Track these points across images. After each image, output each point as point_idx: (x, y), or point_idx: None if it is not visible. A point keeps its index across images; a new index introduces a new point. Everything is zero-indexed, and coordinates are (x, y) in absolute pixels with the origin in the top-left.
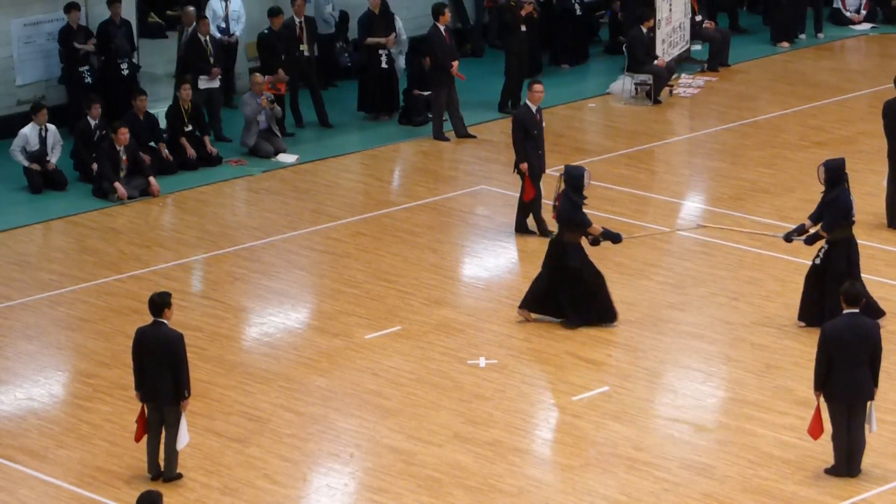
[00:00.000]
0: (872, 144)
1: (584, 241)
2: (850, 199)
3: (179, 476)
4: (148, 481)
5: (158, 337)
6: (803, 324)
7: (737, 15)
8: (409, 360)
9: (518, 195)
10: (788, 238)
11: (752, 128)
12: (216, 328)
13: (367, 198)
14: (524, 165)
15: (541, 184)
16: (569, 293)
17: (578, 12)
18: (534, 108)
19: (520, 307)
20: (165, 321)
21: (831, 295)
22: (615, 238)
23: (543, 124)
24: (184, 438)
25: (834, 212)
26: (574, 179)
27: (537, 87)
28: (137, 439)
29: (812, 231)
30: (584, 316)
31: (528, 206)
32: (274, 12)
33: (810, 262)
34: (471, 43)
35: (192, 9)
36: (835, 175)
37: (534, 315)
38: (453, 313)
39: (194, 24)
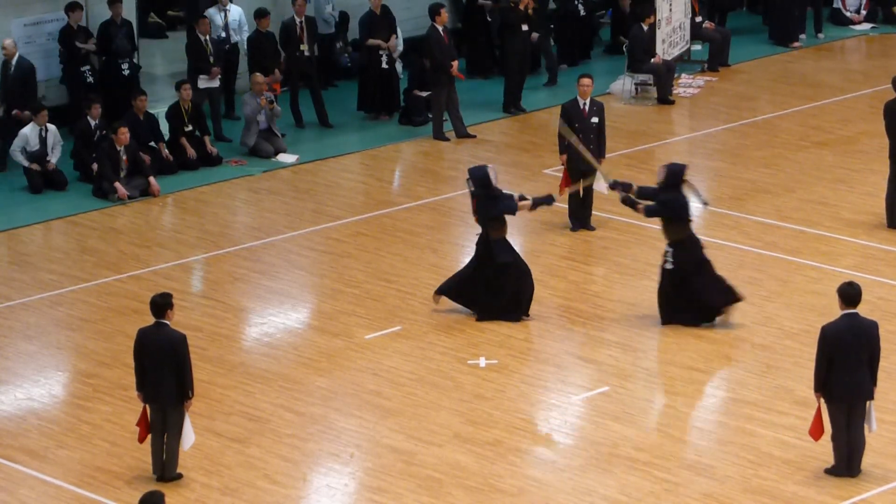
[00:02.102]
0: (872, 144)
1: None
2: (686, 203)
3: (179, 476)
4: (151, 482)
5: (161, 338)
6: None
7: (725, 17)
8: (409, 360)
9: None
10: (614, 186)
11: (752, 128)
12: (216, 328)
13: (367, 198)
14: (562, 157)
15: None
16: (489, 286)
17: (582, 13)
18: (581, 103)
19: (436, 292)
20: (167, 322)
21: (685, 294)
22: (547, 200)
23: (594, 120)
24: (189, 438)
25: (662, 206)
26: (479, 180)
27: (584, 80)
28: (141, 440)
29: (639, 205)
30: (496, 311)
31: (570, 198)
32: (260, 13)
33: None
34: None
35: (206, 17)
36: (672, 179)
37: (446, 302)
38: (453, 313)
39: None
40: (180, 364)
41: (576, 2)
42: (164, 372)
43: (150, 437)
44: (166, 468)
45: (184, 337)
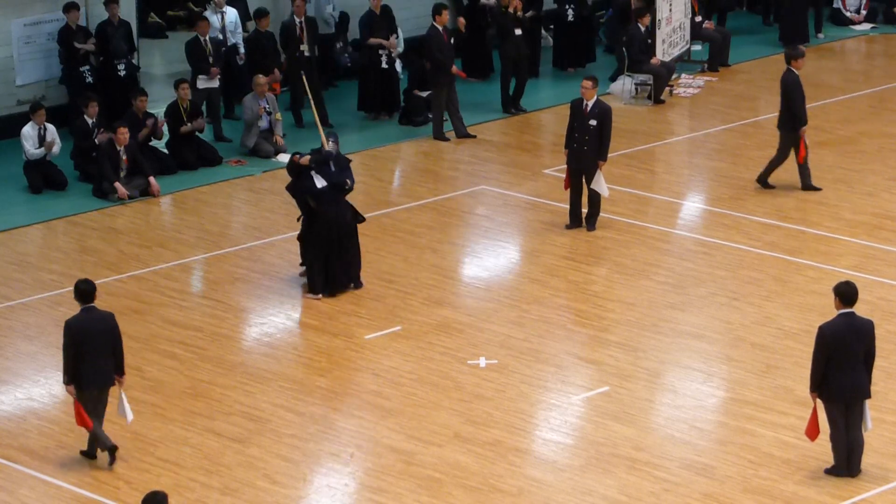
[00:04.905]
0: (872, 144)
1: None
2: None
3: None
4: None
5: (98, 321)
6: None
7: (725, 17)
8: (409, 360)
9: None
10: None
11: (752, 128)
12: (216, 328)
13: (367, 198)
14: (565, 151)
15: (597, 179)
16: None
17: (570, 18)
18: (584, 103)
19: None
20: (96, 305)
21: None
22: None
23: (592, 122)
24: (130, 414)
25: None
26: (324, 156)
27: (584, 82)
28: (90, 427)
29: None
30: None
31: (571, 195)
32: (260, 13)
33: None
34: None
35: (206, 18)
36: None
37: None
38: (453, 313)
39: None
40: (117, 341)
41: (566, 7)
42: (104, 354)
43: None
44: (90, 446)
45: (113, 314)
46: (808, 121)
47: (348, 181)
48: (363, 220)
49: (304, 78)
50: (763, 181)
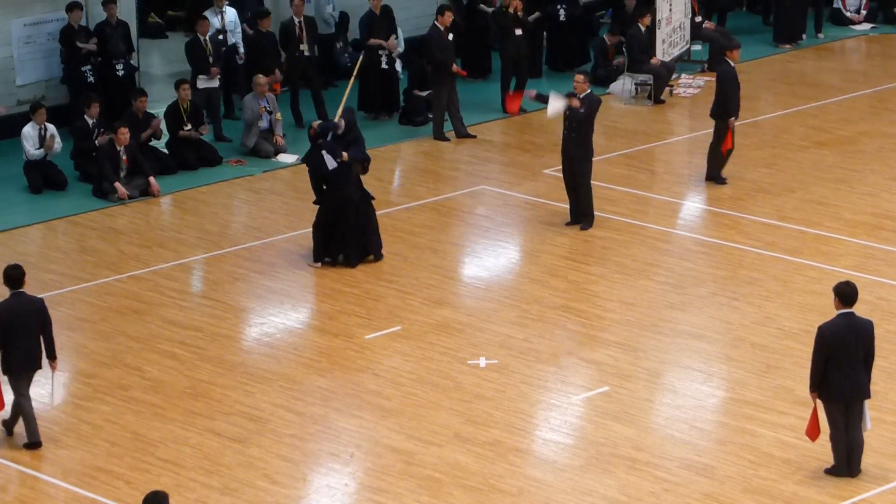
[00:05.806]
0: (872, 144)
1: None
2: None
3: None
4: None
5: (27, 305)
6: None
7: (725, 17)
8: (409, 360)
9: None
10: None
11: (753, 128)
12: (216, 328)
13: None
14: (530, 92)
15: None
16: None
17: (562, 18)
18: (578, 97)
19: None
20: (24, 290)
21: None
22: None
23: (581, 110)
24: (60, 395)
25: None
26: (327, 127)
27: (577, 77)
28: (1, 408)
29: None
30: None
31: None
32: (262, 14)
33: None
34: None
35: (206, 18)
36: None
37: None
38: (453, 313)
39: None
40: (47, 326)
41: (558, 6)
42: (34, 338)
43: (9, 406)
44: (31, 434)
45: (42, 299)
46: (738, 114)
47: (345, 155)
48: (373, 198)
49: (358, 62)
50: (714, 176)
